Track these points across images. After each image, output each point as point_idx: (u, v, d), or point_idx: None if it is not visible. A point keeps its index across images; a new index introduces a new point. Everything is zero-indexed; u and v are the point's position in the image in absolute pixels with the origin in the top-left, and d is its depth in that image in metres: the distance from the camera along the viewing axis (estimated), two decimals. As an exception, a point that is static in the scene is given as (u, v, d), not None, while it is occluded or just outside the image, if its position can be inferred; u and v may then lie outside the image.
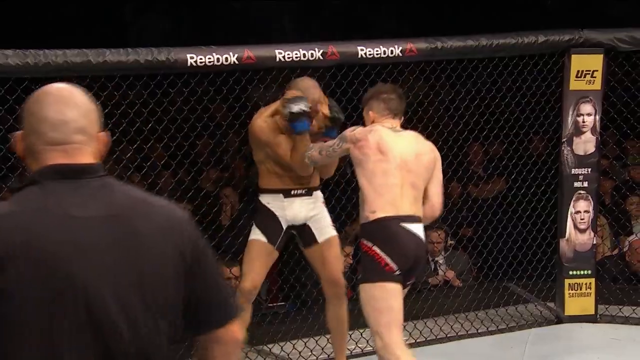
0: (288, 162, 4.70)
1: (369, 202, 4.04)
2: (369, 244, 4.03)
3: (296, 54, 5.11)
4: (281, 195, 4.82)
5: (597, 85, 5.86)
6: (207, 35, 5.17)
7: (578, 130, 5.90)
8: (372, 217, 4.03)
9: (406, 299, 6.22)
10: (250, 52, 5.04)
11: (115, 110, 5.08)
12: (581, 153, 5.91)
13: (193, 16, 10.05)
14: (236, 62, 5.01)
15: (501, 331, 5.85)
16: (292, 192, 4.82)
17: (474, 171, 7.34)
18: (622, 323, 5.96)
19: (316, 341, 5.48)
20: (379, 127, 4.17)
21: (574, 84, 5.86)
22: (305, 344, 5.48)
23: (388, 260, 3.98)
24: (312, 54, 5.11)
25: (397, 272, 4.00)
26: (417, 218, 4.10)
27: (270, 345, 5.52)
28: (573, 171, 5.91)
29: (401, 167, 4.07)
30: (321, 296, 6.28)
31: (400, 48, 5.30)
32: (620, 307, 6.04)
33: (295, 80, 4.82)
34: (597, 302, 5.98)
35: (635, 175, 7.61)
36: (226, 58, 4.98)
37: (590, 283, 5.94)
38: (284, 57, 5.10)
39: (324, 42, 5.21)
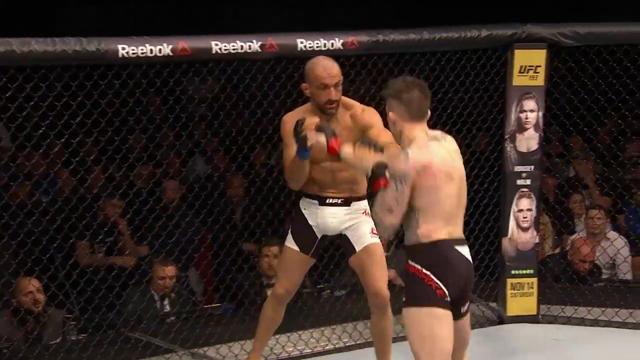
0: (285, 166, 4.50)
1: (424, 223, 3.73)
2: (419, 267, 3.74)
3: (233, 45, 4.95)
4: (316, 202, 4.59)
5: (541, 81, 5.81)
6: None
7: (521, 127, 5.84)
8: (426, 239, 3.74)
9: (346, 300, 6.22)
10: (185, 44, 4.86)
11: (41, 103, 4.88)
12: (524, 150, 5.85)
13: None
14: (170, 53, 4.83)
15: (443, 332, 5.73)
16: (327, 201, 4.57)
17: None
18: (563, 323, 5.92)
19: (253, 344, 5.26)
20: (424, 142, 3.76)
21: (517, 80, 5.80)
22: (242, 346, 5.37)
23: (440, 284, 3.72)
24: (250, 45, 4.96)
25: (447, 298, 3.74)
26: (465, 240, 3.87)
27: (205, 348, 5.39)
28: (516, 168, 5.85)
29: (459, 187, 3.80)
30: (259, 297, 6.17)
31: (342, 41, 5.19)
32: (562, 307, 5.99)
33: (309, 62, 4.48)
34: (539, 302, 5.93)
35: (580, 171, 7.59)
36: (160, 49, 4.80)
37: (532, 283, 5.89)
38: (220, 48, 4.93)
39: (262, 34, 5.05)
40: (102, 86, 5.09)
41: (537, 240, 5.94)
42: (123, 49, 4.71)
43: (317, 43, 5.12)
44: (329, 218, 4.58)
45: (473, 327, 5.73)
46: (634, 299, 6.07)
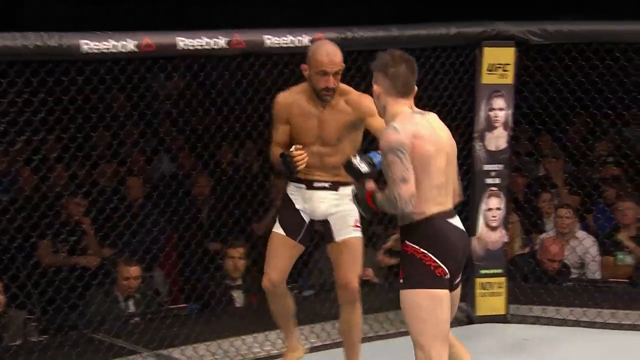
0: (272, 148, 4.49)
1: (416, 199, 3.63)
2: (416, 246, 3.64)
3: (199, 41, 4.88)
4: (304, 186, 4.53)
5: (510, 79, 5.80)
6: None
7: (490, 125, 5.82)
8: (420, 216, 3.64)
9: (314, 300, 6.16)
10: (149, 39, 4.79)
11: (2, 99, 4.78)
12: (493, 149, 5.83)
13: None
14: (135, 49, 4.76)
15: (411, 332, 5.69)
16: (315, 185, 4.52)
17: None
18: (532, 323, 5.92)
19: (219, 345, 5.35)
20: (411, 115, 3.68)
21: (486, 78, 5.79)
22: (207, 347, 5.34)
23: (439, 262, 3.62)
24: (215, 42, 4.90)
25: (447, 276, 3.65)
26: (454, 210, 3.76)
27: (170, 350, 5.34)
28: (485, 167, 5.83)
29: (447, 160, 3.71)
30: (224, 297, 6.09)
31: (309, 37, 5.14)
32: (531, 307, 5.99)
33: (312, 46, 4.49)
34: (508, 302, 5.91)
35: (550, 169, 7.58)
36: (123, 45, 4.72)
37: (501, 282, 5.88)
38: (186, 44, 4.88)
39: (229, 30, 5.00)
40: (65, 82, 5.00)
41: (506, 240, 5.93)
42: (86, 44, 4.64)
43: (285, 39, 5.08)
44: (317, 202, 4.53)
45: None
46: (602, 298, 6.08)
